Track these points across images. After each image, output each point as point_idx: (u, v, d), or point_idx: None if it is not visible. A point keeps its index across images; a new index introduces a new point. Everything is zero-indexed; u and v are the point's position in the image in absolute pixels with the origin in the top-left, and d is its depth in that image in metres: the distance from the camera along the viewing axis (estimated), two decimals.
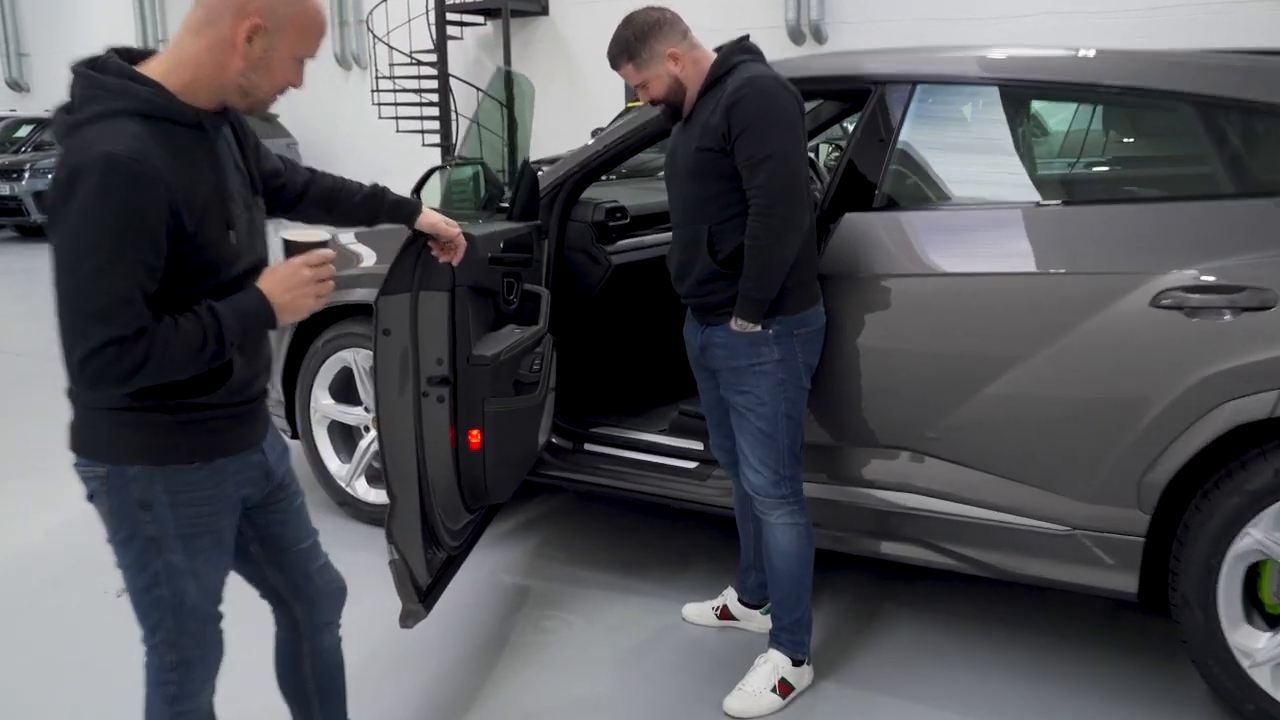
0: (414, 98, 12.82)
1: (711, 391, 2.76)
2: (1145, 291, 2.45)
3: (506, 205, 3.20)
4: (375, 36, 12.93)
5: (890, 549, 2.87)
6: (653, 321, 3.78)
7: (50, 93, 18.64)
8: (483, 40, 14.05)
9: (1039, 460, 2.63)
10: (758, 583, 3.02)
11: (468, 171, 3.42)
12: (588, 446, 3.49)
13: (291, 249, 1.77)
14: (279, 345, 3.93)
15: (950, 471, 2.73)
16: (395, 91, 12.68)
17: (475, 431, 2.66)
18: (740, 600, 3.09)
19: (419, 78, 12.82)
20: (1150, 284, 2.45)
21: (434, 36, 12.81)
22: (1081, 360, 2.53)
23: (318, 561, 2.05)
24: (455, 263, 2.35)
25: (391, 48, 12.61)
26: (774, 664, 2.71)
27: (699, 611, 3.15)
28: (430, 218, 2.26)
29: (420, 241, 2.36)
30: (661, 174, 4.20)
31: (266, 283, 1.73)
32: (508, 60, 13.22)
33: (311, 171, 2.13)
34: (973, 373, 2.66)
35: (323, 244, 1.77)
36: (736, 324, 2.48)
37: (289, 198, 2.07)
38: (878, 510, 2.84)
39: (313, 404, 3.83)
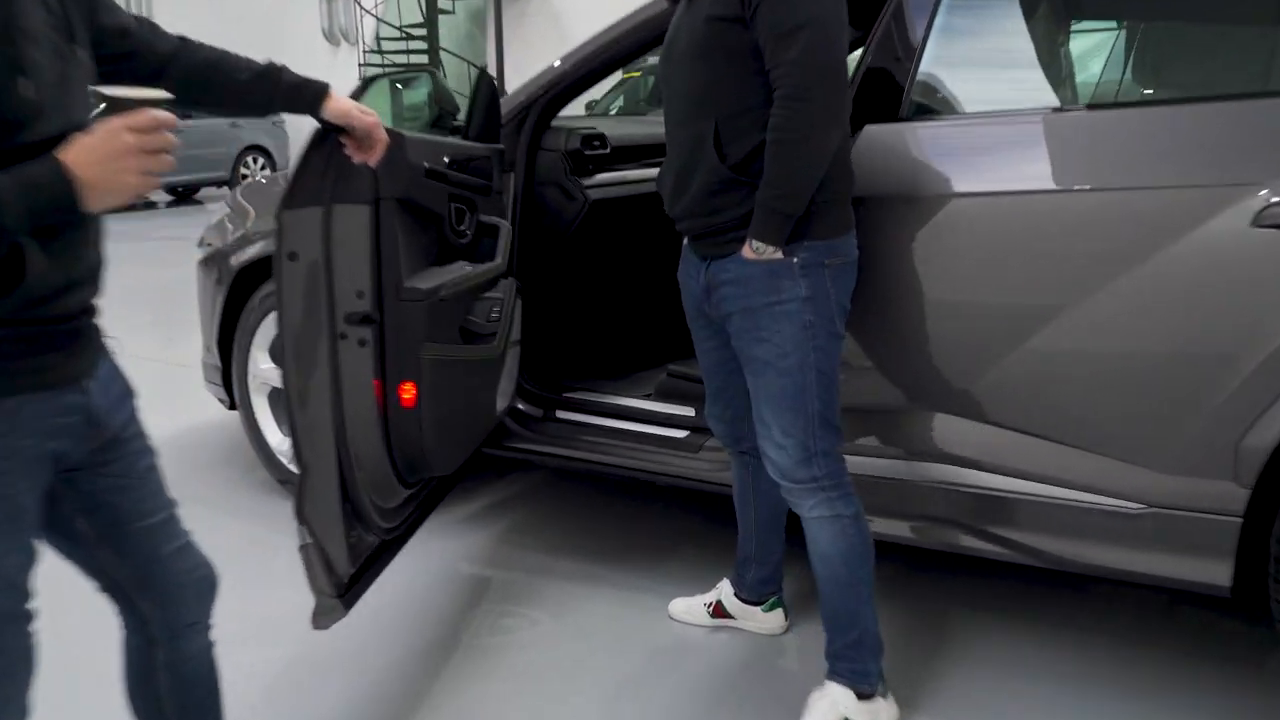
0: None
1: (714, 351, 2.26)
2: (1245, 208, 1.94)
3: (461, 124, 2.68)
4: (364, 10, 12.45)
5: (921, 532, 2.36)
6: (637, 268, 3.29)
7: None
8: (474, 14, 13.56)
9: (1106, 421, 2.12)
10: (758, 578, 2.53)
11: (421, 93, 2.91)
12: (560, 414, 3.00)
13: (114, 106, 1.26)
14: (213, 302, 3.43)
15: (994, 437, 2.22)
16: (384, 67, 12.18)
17: (408, 385, 2.15)
18: (738, 596, 2.58)
19: (408, 52, 12.36)
20: (1252, 198, 1.94)
21: (424, 10, 12.32)
22: (1162, 296, 2.02)
23: (173, 543, 1.55)
24: (373, 163, 1.85)
25: (381, 21, 12.12)
26: (832, 700, 2.12)
27: (688, 608, 2.64)
28: (340, 104, 1.77)
29: (331, 139, 1.87)
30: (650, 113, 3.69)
31: (72, 151, 1.22)
32: (499, 34, 12.73)
33: (184, 40, 1.63)
34: (1024, 316, 2.14)
35: (157, 102, 1.27)
36: (751, 248, 1.95)
37: (146, 68, 1.56)
38: (900, 484, 2.33)
39: (250, 368, 3.33)
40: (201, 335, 3.62)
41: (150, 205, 13.23)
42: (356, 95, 2.66)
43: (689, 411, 2.89)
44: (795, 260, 1.97)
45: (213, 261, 3.47)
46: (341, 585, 2.10)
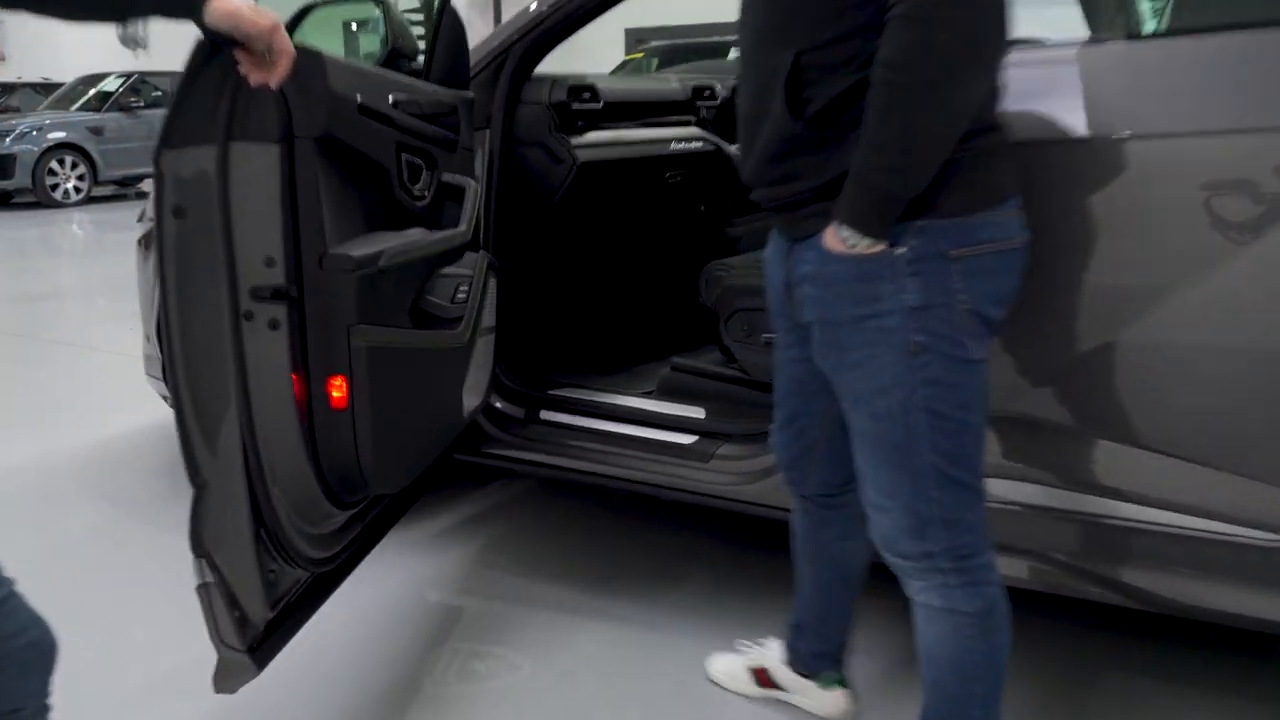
0: None
1: (793, 364, 1.68)
2: None
3: (420, 69, 2.22)
4: None
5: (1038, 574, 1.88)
6: (635, 243, 2.82)
7: (27, 60, 17.80)
8: None
9: (1233, 431, 1.65)
10: (814, 652, 1.98)
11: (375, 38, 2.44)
12: (544, 415, 2.54)
13: None
14: (152, 286, 2.98)
15: (1135, 458, 1.73)
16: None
17: (337, 380, 1.69)
18: (789, 665, 2.03)
19: None
20: None
21: None
22: None
23: None
24: (274, 84, 1.39)
25: None
26: None
27: (729, 672, 2.11)
28: (226, 5, 1.32)
29: (224, 54, 1.41)
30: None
31: None
32: (497, 18, 12.27)
33: None
34: (1135, 294, 1.67)
35: None
36: (839, 237, 1.38)
37: None
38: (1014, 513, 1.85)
39: None
40: (141, 323, 3.18)
41: (141, 196, 12.81)
42: (291, 28, 2.20)
43: (698, 412, 2.44)
44: (901, 251, 1.37)
45: (151, 239, 3.01)
46: (254, 636, 1.65)
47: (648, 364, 2.80)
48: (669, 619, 2.37)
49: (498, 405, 2.55)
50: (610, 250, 2.96)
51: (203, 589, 1.60)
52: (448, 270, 2.09)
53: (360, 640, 2.29)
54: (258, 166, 1.54)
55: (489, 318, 2.28)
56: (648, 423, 2.44)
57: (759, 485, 2.25)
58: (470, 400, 2.23)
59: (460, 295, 2.10)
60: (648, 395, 2.58)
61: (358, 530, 1.96)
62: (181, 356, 1.54)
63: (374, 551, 2.14)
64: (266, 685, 1.79)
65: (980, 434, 1.47)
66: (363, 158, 1.76)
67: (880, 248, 1.37)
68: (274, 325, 1.57)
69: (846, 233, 1.37)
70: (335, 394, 1.68)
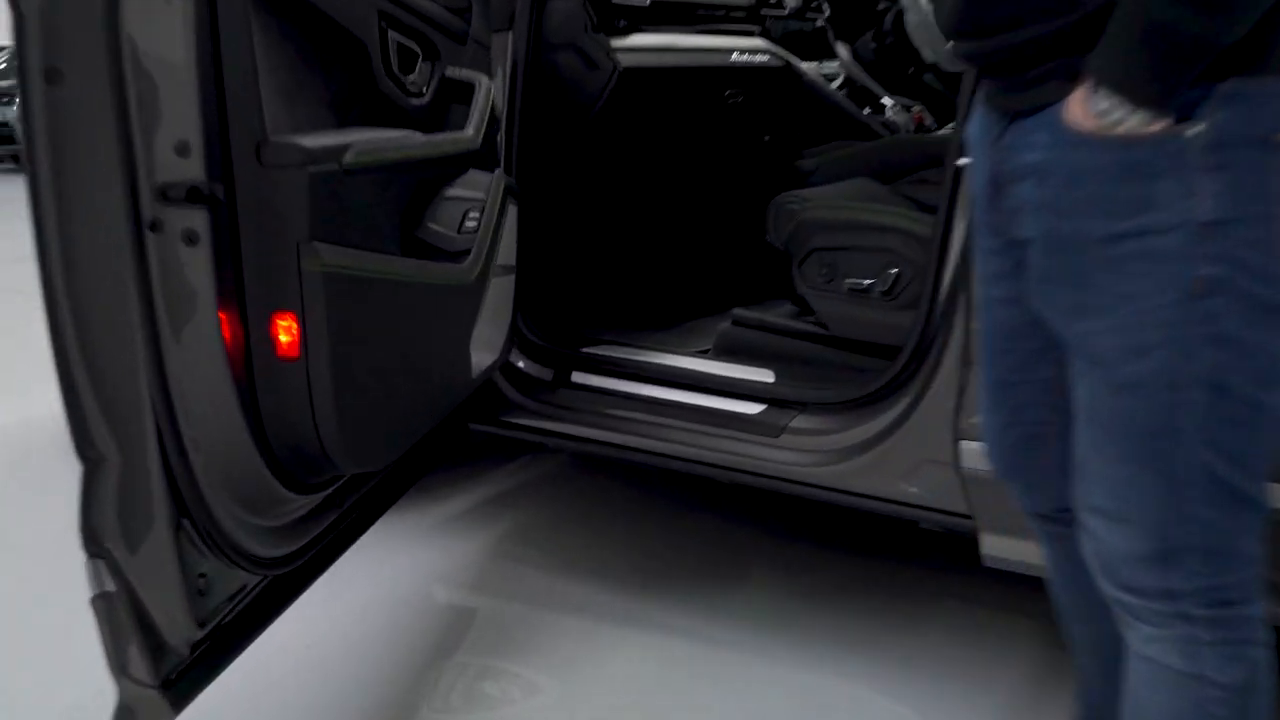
0: None
1: (1005, 306, 1.16)
2: None
3: None
4: None
5: None
6: (686, 172, 2.35)
7: None
8: None
9: None
10: None
11: None
12: (578, 377, 2.10)
13: None
14: None
15: None
16: None
17: (285, 319, 1.24)
18: None
19: None
20: None
21: None
22: None
23: None
24: None
25: None
26: None
27: None
28: None
29: None
30: None
31: None
32: None
33: None
34: None
35: None
36: (1089, 106, 0.92)
37: None
38: None
39: None
40: None
41: None
42: None
43: (765, 375, 1.98)
44: (1196, 131, 0.90)
45: None
46: (173, 665, 1.22)
47: (703, 318, 2.33)
48: (728, 632, 1.92)
49: (520, 365, 2.10)
50: (658, 179, 2.49)
51: (100, 600, 1.17)
52: (454, 191, 1.65)
53: (347, 650, 1.86)
54: (166, 18, 1.09)
55: (507, 254, 1.83)
56: (703, 388, 1.99)
57: (841, 467, 1.80)
58: (482, 356, 1.79)
59: (469, 223, 1.66)
60: (703, 355, 2.13)
61: (330, 520, 1.52)
62: (63, 284, 1.11)
63: (368, 540, 1.72)
64: (219, 708, 1.38)
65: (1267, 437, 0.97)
66: (329, 24, 1.31)
67: (1161, 125, 0.89)
68: (191, 239, 1.13)
69: (1106, 101, 0.90)
70: (282, 338, 1.24)
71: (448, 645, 1.90)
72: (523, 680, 1.80)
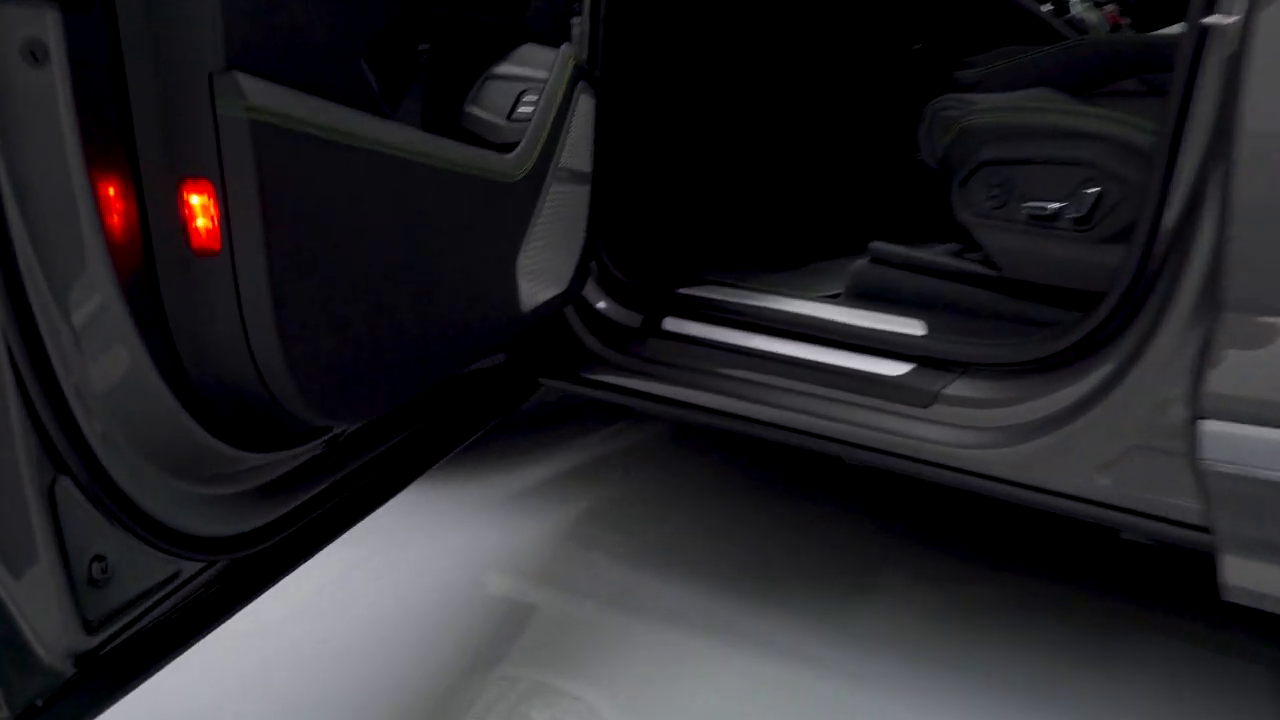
0: None
1: None
2: None
3: None
4: None
5: None
6: (815, 77, 1.91)
7: None
8: None
9: None
10: None
11: None
12: (671, 325, 1.68)
13: None
14: None
15: None
16: None
17: (197, 190, 0.84)
18: None
19: None
20: None
21: None
22: None
23: None
24: None
25: None
26: None
27: None
28: None
29: None
30: None
31: None
32: None
33: None
34: None
35: None
36: None
37: None
38: None
39: None
40: None
41: None
42: None
43: (913, 326, 1.53)
44: None
45: None
46: (45, 686, 0.86)
47: (832, 260, 1.88)
48: (853, 656, 1.48)
49: (600, 307, 1.69)
50: (780, 88, 2.04)
51: None
52: (504, 69, 1.26)
53: (368, 649, 1.50)
54: None
55: (579, 156, 1.42)
56: (831, 340, 1.54)
57: (1013, 450, 1.36)
58: (538, 286, 1.38)
59: (524, 108, 1.25)
60: (832, 300, 1.67)
61: (320, 489, 1.14)
62: None
63: (412, 513, 1.35)
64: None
65: None
66: None
67: None
68: (35, 56, 0.75)
69: None
70: (198, 222, 0.85)
71: (495, 651, 1.51)
72: (581, 706, 1.39)
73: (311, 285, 0.91)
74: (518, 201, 1.25)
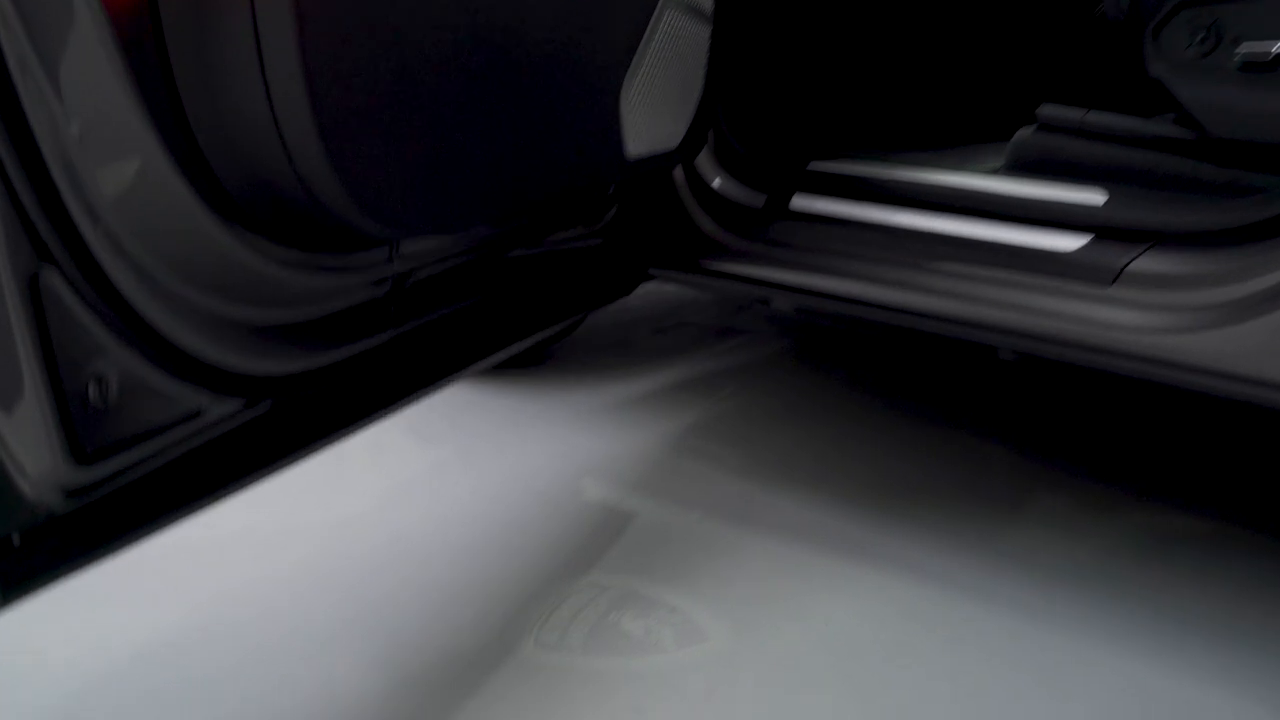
0: None
1: None
2: None
3: None
4: None
5: None
6: None
7: None
8: None
9: None
10: None
11: None
12: (800, 203, 1.46)
13: None
14: None
15: None
16: None
17: None
18: None
19: None
20: None
21: None
22: None
23: None
24: None
25: None
26: None
27: None
28: None
29: None
30: None
31: None
32: None
33: None
34: None
35: None
36: None
37: None
38: None
39: None
40: None
41: None
42: None
43: (1091, 196, 1.27)
44: None
45: None
46: (22, 522, 0.72)
47: (989, 143, 1.63)
48: (1002, 580, 1.25)
49: (717, 185, 1.49)
50: None
51: None
52: None
53: (443, 549, 1.35)
54: None
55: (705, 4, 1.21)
56: (992, 214, 1.30)
57: (1216, 335, 1.10)
58: (645, 134, 1.18)
59: None
60: (993, 173, 1.43)
61: (377, 341, 0.98)
62: None
63: (500, 412, 1.19)
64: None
65: None
66: None
67: None
68: None
69: None
70: None
71: (586, 557, 1.34)
72: (682, 620, 1.21)
73: (354, 56, 0.74)
74: (626, 14, 1.05)
